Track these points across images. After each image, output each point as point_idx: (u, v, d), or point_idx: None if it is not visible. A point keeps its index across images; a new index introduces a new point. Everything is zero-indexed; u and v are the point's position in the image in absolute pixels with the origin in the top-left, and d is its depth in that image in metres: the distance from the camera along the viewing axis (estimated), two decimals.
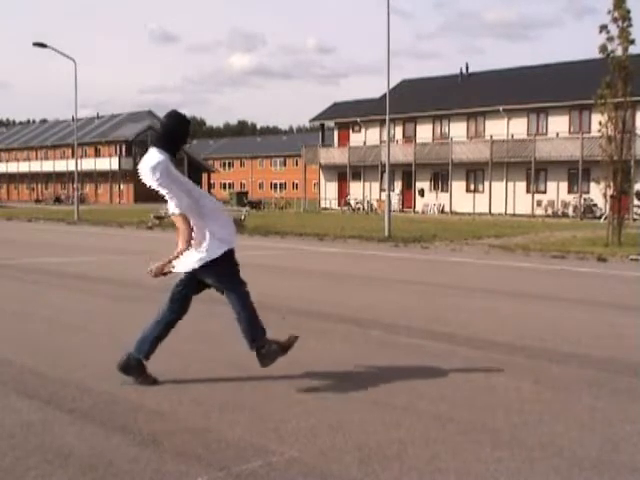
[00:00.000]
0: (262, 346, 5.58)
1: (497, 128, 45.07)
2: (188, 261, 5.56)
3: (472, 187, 46.72)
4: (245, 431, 4.49)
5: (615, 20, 19.80)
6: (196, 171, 79.23)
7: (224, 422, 4.66)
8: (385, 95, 27.98)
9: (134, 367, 5.55)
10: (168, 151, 5.37)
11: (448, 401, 5.19)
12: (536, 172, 42.47)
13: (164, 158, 5.30)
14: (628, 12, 19.69)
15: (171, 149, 5.41)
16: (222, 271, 5.57)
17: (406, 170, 48.56)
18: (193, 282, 5.72)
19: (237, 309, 5.63)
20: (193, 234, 5.48)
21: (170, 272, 5.63)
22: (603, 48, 19.94)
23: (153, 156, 5.32)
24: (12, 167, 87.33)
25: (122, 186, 74.12)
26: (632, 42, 19.87)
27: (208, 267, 5.50)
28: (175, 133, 5.46)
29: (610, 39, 19.85)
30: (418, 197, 48.69)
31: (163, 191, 5.34)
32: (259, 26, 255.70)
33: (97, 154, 77.60)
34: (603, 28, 19.90)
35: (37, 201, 75.66)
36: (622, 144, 20.06)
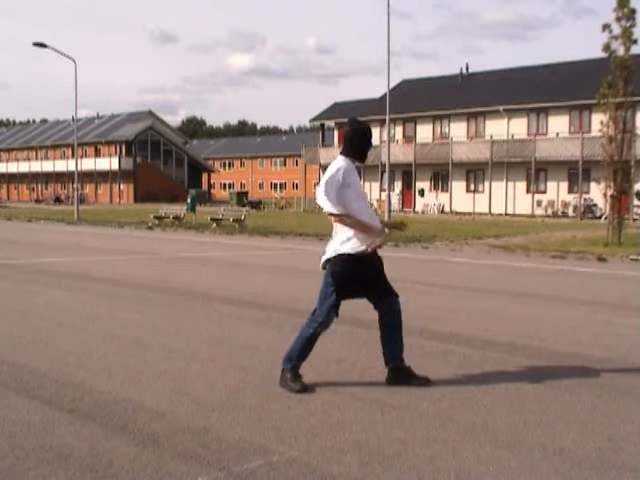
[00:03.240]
0: (289, 369, 5.48)
1: (497, 128, 45.06)
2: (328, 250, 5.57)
3: (472, 187, 46.72)
4: (245, 431, 4.49)
5: (619, 19, 19.79)
6: (196, 171, 79.35)
7: (224, 422, 4.66)
8: (385, 95, 27.97)
9: (405, 375, 5.57)
10: (354, 157, 5.56)
11: (448, 401, 5.19)
12: (536, 172, 42.47)
13: (345, 165, 5.46)
14: (632, 11, 19.68)
15: (356, 156, 5.58)
16: (334, 271, 5.48)
17: (406, 170, 48.56)
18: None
19: (322, 308, 5.51)
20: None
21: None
22: (607, 47, 19.93)
23: (335, 164, 5.50)
24: (12, 167, 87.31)
25: (122, 186, 74.11)
26: (635, 42, 19.87)
27: (331, 261, 5.49)
28: (356, 140, 5.59)
29: (616, 37, 19.83)
30: (418, 197, 48.68)
31: (324, 193, 5.36)
32: (259, 26, 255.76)
33: (97, 154, 77.60)
34: (606, 27, 19.88)
35: (37, 201, 75.65)
36: (622, 144, 20.06)
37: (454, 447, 4.25)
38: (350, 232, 5.43)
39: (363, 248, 5.39)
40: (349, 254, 5.41)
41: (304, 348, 5.52)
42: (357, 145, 5.58)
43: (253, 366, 6.17)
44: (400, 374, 5.61)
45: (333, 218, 5.46)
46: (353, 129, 5.64)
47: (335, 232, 5.56)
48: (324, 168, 53.43)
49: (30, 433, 4.44)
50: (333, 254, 5.50)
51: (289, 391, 5.36)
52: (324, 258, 5.59)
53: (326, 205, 5.38)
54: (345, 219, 5.39)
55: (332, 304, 5.50)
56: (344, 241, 5.45)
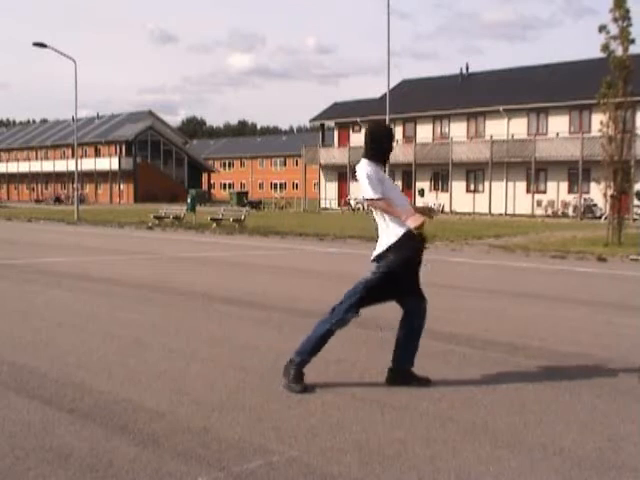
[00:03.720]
0: (296, 364, 5.47)
1: (497, 128, 45.07)
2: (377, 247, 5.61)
3: (472, 187, 46.72)
4: (245, 431, 4.49)
5: (615, 20, 19.82)
6: (196, 171, 79.35)
7: (224, 422, 4.66)
8: (385, 95, 27.98)
9: (406, 377, 5.59)
10: (377, 160, 5.57)
11: (448, 401, 5.19)
12: (536, 172, 42.47)
13: (370, 168, 5.48)
14: (628, 12, 19.71)
15: (378, 159, 5.60)
16: (380, 266, 5.52)
17: (406, 170, 48.56)
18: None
19: (342, 305, 5.58)
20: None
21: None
22: (605, 47, 19.95)
23: (364, 167, 5.51)
24: (12, 167, 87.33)
25: (122, 186, 74.13)
26: (632, 42, 19.89)
27: (381, 256, 5.52)
28: (380, 143, 5.62)
29: (614, 38, 19.85)
30: (418, 197, 48.66)
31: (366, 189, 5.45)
32: (259, 26, 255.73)
33: (97, 154, 77.61)
34: (603, 28, 19.92)
35: (37, 201, 75.65)
36: (622, 144, 20.07)
37: (454, 447, 4.25)
38: (388, 223, 5.48)
39: (405, 229, 5.39)
40: (398, 240, 5.43)
41: (317, 344, 5.51)
42: (379, 148, 5.62)
43: (253, 366, 6.17)
44: (403, 375, 5.61)
45: (371, 206, 5.53)
46: (375, 132, 5.67)
47: (380, 229, 5.60)
48: (324, 168, 53.51)
49: (30, 433, 4.44)
50: (385, 247, 5.50)
51: (290, 391, 5.36)
52: (375, 253, 5.61)
53: (367, 190, 5.44)
54: (378, 202, 5.43)
55: (355, 302, 5.55)
56: (389, 233, 5.50)
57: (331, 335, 5.56)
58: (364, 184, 5.47)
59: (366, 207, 5.40)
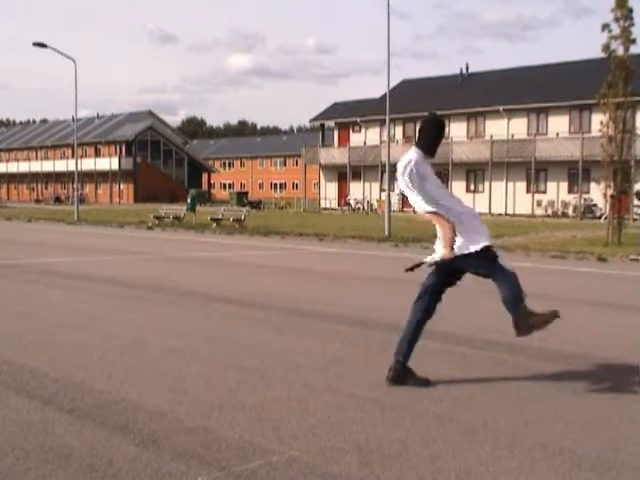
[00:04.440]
0: (524, 315, 5.50)
1: (497, 128, 45.07)
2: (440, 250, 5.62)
3: (472, 187, 46.72)
4: (245, 431, 4.49)
5: (617, 19, 19.80)
6: (196, 171, 79.35)
7: (224, 422, 4.66)
8: (385, 95, 27.97)
9: (404, 374, 5.58)
10: (425, 151, 5.65)
11: (448, 401, 5.19)
12: (536, 172, 42.47)
13: (416, 156, 5.55)
14: (630, 11, 19.69)
15: (426, 149, 5.67)
16: (478, 263, 5.54)
17: None
18: (443, 276, 5.69)
19: (504, 292, 5.54)
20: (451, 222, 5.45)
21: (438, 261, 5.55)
22: (606, 47, 19.94)
23: (408, 155, 5.61)
24: (12, 167, 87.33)
25: (122, 186, 74.13)
26: (633, 41, 19.88)
27: (465, 258, 5.52)
28: (430, 134, 5.71)
29: (615, 37, 19.84)
30: None
31: (410, 189, 5.50)
32: (258, 26, 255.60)
33: (97, 154, 77.61)
34: (605, 27, 19.89)
35: (37, 201, 75.65)
36: (622, 144, 20.06)
37: (454, 447, 4.25)
38: (472, 227, 5.52)
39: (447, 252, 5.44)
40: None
41: (519, 290, 5.51)
42: (427, 138, 5.68)
43: (253, 366, 6.17)
44: (405, 372, 5.60)
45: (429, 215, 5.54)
46: (426, 121, 5.77)
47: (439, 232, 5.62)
48: (324, 168, 53.50)
49: (30, 433, 4.43)
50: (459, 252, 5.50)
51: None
52: (433, 259, 5.62)
53: (420, 204, 5.47)
54: (440, 218, 5.45)
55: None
56: (475, 234, 5.51)
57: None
58: (406, 186, 5.51)
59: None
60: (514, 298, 5.49)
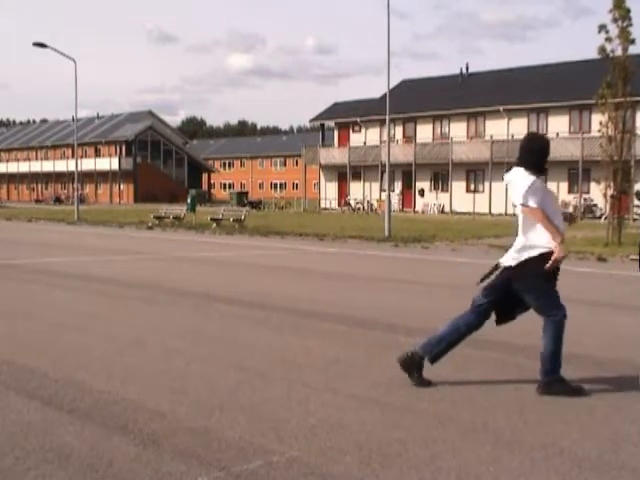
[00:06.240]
0: (553, 382, 5.39)
1: (497, 128, 45.06)
2: (507, 257, 5.61)
3: (472, 187, 46.72)
4: (245, 431, 4.49)
5: (615, 20, 19.79)
6: (196, 171, 79.33)
7: (224, 422, 4.66)
8: (385, 95, 27.97)
9: (415, 365, 5.56)
10: (535, 171, 5.66)
11: (448, 401, 5.19)
12: None
13: (533, 178, 5.54)
14: (628, 12, 19.69)
15: (536, 169, 5.67)
16: (534, 272, 5.44)
17: (406, 170, 48.56)
18: (500, 290, 5.63)
19: (546, 334, 5.45)
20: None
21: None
22: (602, 49, 19.93)
23: (526, 176, 5.57)
24: (12, 167, 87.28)
25: (122, 186, 74.12)
26: (632, 42, 19.86)
27: (522, 268, 5.46)
28: (538, 153, 5.77)
29: (609, 39, 19.84)
30: (418, 197, 48.68)
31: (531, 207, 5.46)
32: (258, 26, 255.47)
33: (97, 154, 77.59)
34: (602, 28, 19.88)
35: (37, 201, 75.64)
36: (622, 144, 20.06)
37: (454, 447, 4.25)
38: (539, 233, 5.46)
39: (550, 247, 5.37)
40: (539, 255, 5.41)
41: (558, 349, 5.41)
42: (539, 158, 5.71)
43: (253, 366, 6.17)
44: (418, 365, 5.58)
45: (525, 212, 5.53)
46: (538, 143, 5.83)
47: (523, 233, 5.59)
48: (324, 168, 53.50)
49: (30, 433, 4.44)
50: (522, 258, 5.48)
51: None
52: (508, 263, 5.57)
53: (526, 197, 5.45)
54: (537, 212, 5.43)
55: (554, 293, 5.47)
56: (529, 246, 5.49)
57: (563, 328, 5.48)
58: (523, 191, 5.49)
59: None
60: (553, 357, 5.40)
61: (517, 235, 5.68)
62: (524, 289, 5.49)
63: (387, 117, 27.26)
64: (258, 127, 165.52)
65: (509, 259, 5.59)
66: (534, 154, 5.69)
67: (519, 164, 5.68)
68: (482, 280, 5.74)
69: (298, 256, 17.92)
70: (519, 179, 5.58)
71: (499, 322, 5.80)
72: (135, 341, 7.19)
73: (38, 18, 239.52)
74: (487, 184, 44.50)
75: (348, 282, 12.62)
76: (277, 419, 4.73)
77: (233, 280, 12.46)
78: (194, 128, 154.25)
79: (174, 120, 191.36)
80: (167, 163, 76.97)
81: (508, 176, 5.79)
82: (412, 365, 5.57)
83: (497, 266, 5.71)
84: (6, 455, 4.08)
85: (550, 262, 5.34)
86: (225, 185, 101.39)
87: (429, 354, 5.61)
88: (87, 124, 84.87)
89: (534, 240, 5.49)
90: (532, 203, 5.44)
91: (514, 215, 6.01)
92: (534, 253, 5.45)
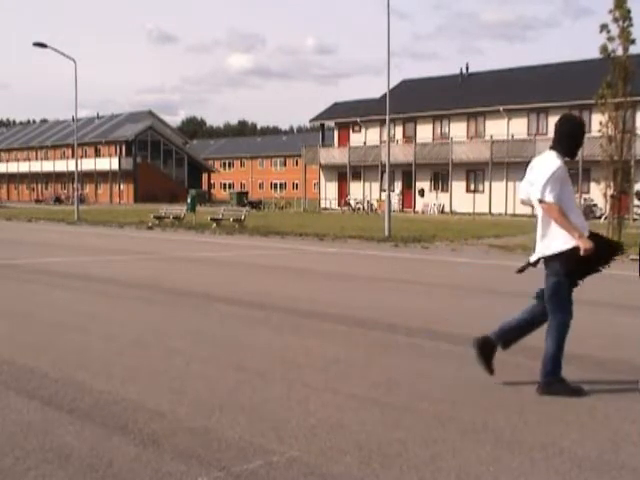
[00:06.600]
0: (553, 382, 5.41)
1: (497, 128, 45.07)
2: (539, 249, 5.56)
3: (472, 187, 46.72)
4: (245, 431, 4.49)
5: (616, 20, 19.80)
6: (196, 171, 79.34)
7: (224, 422, 4.66)
8: (385, 95, 27.98)
9: (488, 349, 5.62)
10: (566, 154, 5.53)
11: (448, 401, 5.19)
12: None
13: (560, 163, 5.41)
14: (629, 12, 19.69)
15: (567, 152, 5.54)
16: (553, 271, 5.46)
17: (406, 170, 48.56)
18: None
19: (549, 335, 5.49)
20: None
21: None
22: (604, 49, 19.93)
23: (553, 161, 5.42)
24: (12, 167, 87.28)
25: (122, 186, 74.12)
26: (633, 42, 19.87)
27: (551, 259, 5.46)
28: (571, 137, 5.57)
29: (611, 39, 19.85)
30: (418, 197, 48.68)
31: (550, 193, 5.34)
32: (258, 26, 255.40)
33: (97, 154, 77.59)
34: (604, 28, 19.89)
35: (37, 201, 75.64)
36: (622, 144, 20.06)
37: (454, 447, 4.25)
38: (555, 231, 5.40)
39: (572, 245, 5.33)
40: (562, 252, 5.39)
41: (560, 351, 5.43)
42: (571, 142, 5.55)
43: (253, 366, 6.17)
44: (486, 347, 5.65)
45: (542, 208, 5.42)
46: (570, 125, 5.62)
47: (542, 229, 5.52)
48: (324, 168, 53.50)
49: (30, 433, 4.43)
50: (549, 253, 5.45)
51: (570, 396, 5.31)
52: (535, 257, 5.58)
53: (544, 190, 5.32)
54: (553, 210, 5.33)
55: (567, 297, 5.59)
56: (554, 240, 5.43)
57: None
58: (542, 182, 5.34)
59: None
60: (555, 358, 5.42)
61: (537, 230, 5.60)
62: (545, 283, 5.54)
63: (387, 117, 27.26)
64: (258, 127, 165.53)
65: (537, 254, 5.57)
66: (565, 137, 5.53)
67: (552, 147, 5.56)
68: (519, 271, 5.77)
69: (298, 256, 17.92)
70: (543, 165, 5.44)
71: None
72: (135, 341, 7.19)
73: (38, 18, 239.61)
74: (487, 184, 44.52)
75: (348, 282, 12.62)
76: (277, 419, 4.73)
77: (233, 280, 12.46)
78: (194, 128, 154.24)
79: (174, 120, 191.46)
80: (167, 163, 76.97)
81: (534, 160, 5.64)
82: (488, 351, 5.63)
83: (529, 264, 5.69)
84: (6, 455, 4.08)
85: (582, 253, 5.30)
86: (225, 185, 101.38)
87: (502, 341, 5.66)
88: (87, 124, 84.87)
89: (553, 237, 5.45)
90: (550, 198, 5.31)
91: (523, 204, 5.91)
92: (553, 251, 5.43)
